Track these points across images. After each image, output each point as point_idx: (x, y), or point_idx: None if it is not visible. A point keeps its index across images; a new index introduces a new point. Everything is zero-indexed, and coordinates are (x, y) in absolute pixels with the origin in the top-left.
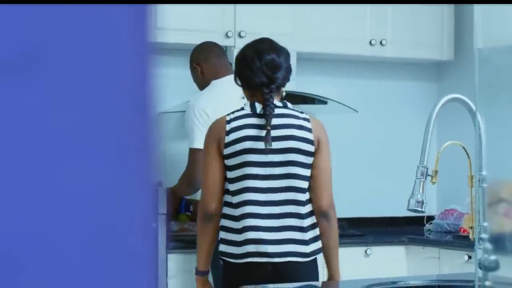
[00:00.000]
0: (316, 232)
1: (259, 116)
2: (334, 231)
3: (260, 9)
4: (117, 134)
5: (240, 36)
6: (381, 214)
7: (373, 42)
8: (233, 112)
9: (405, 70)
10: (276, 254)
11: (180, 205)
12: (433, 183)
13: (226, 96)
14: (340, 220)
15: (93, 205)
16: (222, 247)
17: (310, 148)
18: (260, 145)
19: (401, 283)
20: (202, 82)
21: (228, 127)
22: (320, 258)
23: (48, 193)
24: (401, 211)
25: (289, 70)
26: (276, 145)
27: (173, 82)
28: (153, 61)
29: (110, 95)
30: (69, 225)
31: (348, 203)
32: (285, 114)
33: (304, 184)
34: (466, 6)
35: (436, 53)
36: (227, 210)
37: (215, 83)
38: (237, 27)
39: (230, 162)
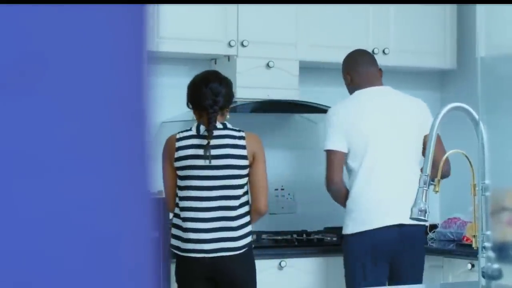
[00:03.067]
0: (246, 230)
1: (201, 137)
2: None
3: (263, 18)
4: (114, 143)
5: (242, 45)
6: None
7: (375, 50)
8: (182, 132)
9: (407, 79)
10: (212, 251)
11: None
12: (436, 192)
13: (361, 106)
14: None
15: (91, 214)
16: (173, 241)
17: (244, 162)
18: (202, 162)
19: None
20: (350, 90)
21: (177, 144)
22: None
23: (47, 202)
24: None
25: (229, 96)
26: (215, 162)
27: (175, 92)
28: (151, 68)
29: (108, 104)
30: (66, 235)
31: None
32: (223, 135)
33: (238, 192)
34: (468, 15)
35: (439, 61)
36: (177, 211)
37: (356, 94)
38: (240, 36)
39: (179, 173)
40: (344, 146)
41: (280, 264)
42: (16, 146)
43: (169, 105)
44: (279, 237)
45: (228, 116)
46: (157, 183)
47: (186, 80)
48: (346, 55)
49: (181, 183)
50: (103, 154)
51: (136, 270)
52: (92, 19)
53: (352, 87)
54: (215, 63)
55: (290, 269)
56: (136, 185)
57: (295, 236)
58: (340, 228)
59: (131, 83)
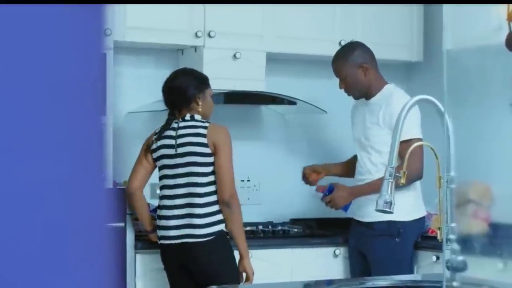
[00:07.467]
0: (213, 218)
1: (171, 129)
2: (236, 218)
3: (230, 9)
4: (67, 134)
5: (209, 36)
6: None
7: (342, 42)
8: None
9: None
10: (177, 237)
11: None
12: (402, 184)
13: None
14: (309, 220)
15: (42, 204)
16: (157, 231)
17: (205, 150)
18: (170, 151)
19: (369, 283)
20: (365, 83)
21: (154, 136)
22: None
23: None
24: None
25: (188, 91)
26: (179, 150)
27: (141, 82)
28: (103, 62)
29: (60, 96)
30: (17, 225)
31: (316, 203)
32: (187, 126)
33: (203, 180)
34: (435, 7)
35: (406, 54)
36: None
37: (394, 87)
38: (207, 27)
39: (157, 164)
40: None
41: None
42: None
43: (135, 95)
44: (245, 228)
45: (200, 109)
46: (124, 174)
47: (152, 71)
48: (352, 45)
49: (159, 173)
50: (56, 145)
51: (88, 258)
52: (48, 18)
53: (368, 81)
54: (182, 54)
55: (256, 260)
56: (90, 176)
57: (260, 227)
58: (305, 220)
59: (83, 74)
